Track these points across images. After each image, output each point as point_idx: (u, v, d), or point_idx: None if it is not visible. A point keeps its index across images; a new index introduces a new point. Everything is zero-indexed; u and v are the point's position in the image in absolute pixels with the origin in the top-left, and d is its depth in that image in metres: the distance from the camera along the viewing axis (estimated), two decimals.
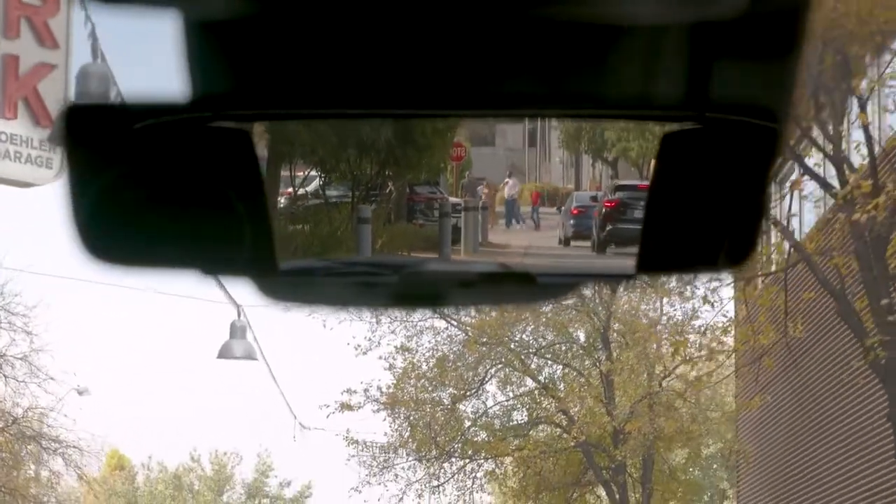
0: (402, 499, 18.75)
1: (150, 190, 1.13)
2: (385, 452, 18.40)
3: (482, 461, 18.69)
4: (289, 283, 1.37)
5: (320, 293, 1.41)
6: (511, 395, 18.48)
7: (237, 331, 15.75)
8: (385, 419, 18.09)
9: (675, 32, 1.12)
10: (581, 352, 17.59)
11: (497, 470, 19.32)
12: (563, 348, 17.45)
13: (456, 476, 18.57)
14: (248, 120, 1.09)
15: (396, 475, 18.60)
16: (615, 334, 16.81)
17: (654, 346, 16.95)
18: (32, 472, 20.46)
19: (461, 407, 18.21)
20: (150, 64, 1.52)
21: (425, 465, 18.38)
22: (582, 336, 17.61)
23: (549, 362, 18.10)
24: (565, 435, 17.98)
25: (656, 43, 1.12)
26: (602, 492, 18.91)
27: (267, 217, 1.16)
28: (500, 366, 17.98)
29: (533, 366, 17.94)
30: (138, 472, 27.99)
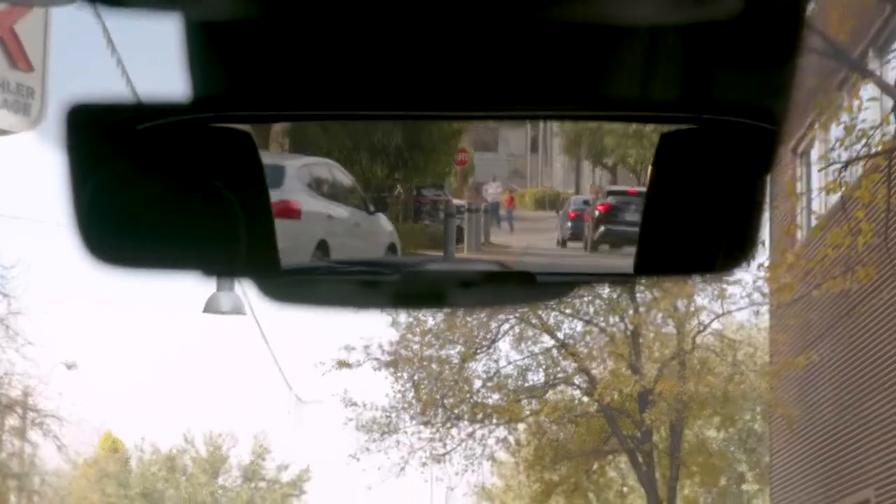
0: (403, 468, 17.35)
1: (152, 190, 1.15)
2: (387, 415, 17.10)
3: (493, 427, 17.34)
4: (290, 283, 1.46)
5: (321, 293, 1.50)
6: (526, 353, 17.14)
7: (225, 281, 14.12)
8: (387, 379, 16.79)
9: (673, 35, 1.17)
10: (605, 306, 15.88)
11: (510, 437, 18.01)
12: (585, 301, 15.79)
13: (464, 443, 17.16)
14: (250, 121, 1.12)
15: (398, 441, 17.32)
16: (642, 287, 15.24)
17: (686, 299, 15.63)
18: (15, 447, 19.14)
19: (471, 366, 16.79)
20: (154, 65, 1.31)
21: (430, 430, 17.02)
22: (605, 289, 16.06)
23: (569, 318, 16.58)
24: (586, 398, 16.84)
25: (654, 45, 1.17)
26: (625, 463, 17.62)
27: (268, 218, 1.19)
28: (514, 321, 16.53)
29: (551, 321, 16.49)
30: (131, 454, 26.63)
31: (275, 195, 1.24)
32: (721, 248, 1.13)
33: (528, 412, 17.01)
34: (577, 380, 16.96)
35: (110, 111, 1.13)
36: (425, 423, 17.11)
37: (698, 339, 15.98)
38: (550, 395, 17.36)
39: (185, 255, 1.14)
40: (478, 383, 17.26)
